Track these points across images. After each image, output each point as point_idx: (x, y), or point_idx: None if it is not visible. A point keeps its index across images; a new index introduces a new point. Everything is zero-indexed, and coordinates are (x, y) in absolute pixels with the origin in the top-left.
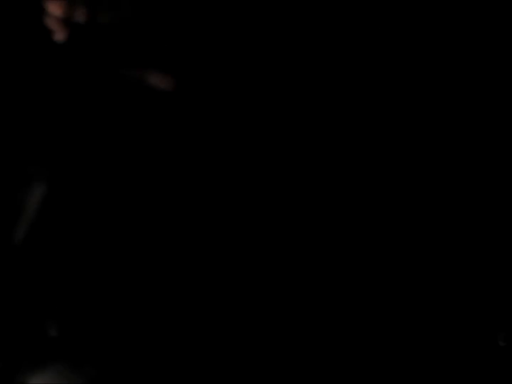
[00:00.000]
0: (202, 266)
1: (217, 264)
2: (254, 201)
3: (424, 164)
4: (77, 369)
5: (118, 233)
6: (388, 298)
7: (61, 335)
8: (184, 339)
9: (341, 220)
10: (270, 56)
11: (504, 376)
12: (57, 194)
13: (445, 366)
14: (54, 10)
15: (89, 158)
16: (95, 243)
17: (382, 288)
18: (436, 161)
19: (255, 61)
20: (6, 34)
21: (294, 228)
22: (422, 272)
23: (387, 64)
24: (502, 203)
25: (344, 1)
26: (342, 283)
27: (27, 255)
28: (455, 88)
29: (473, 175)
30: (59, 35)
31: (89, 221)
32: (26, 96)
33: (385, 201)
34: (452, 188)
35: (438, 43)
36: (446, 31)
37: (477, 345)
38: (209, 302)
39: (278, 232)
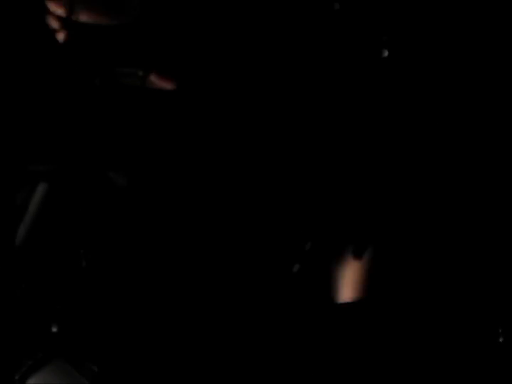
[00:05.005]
0: (202, 266)
1: (217, 264)
2: (254, 201)
3: (424, 164)
4: (78, 367)
5: (119, 233)
6: (387, 298)
7: (62, 333)
8: (184, 339)
9: (340, 219)
10: (271, 57)
11: (504, 376)
12: (60, 193)
13: (445, 365)
14: (55, 9)
15: (91, 157)
16: (97, 242)
17: (381, 288)
18: (437, 161)
19: (256, 61)
20: (6, 33)
21: (294, 228)
22: (422, 271)
23: (387, 64)
24: (502, 203)
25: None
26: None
27: (28, 253)
28: (455, 89)
29: (473, 175)
30: (60, 35)
31: (91, 220)
32: (28, 95)
33: (385, 201)
34: (452, 189)
35: (438, 44)
36: (445, 33)
37: (477, 343)
38: (209, 302)
39: (278, 232)
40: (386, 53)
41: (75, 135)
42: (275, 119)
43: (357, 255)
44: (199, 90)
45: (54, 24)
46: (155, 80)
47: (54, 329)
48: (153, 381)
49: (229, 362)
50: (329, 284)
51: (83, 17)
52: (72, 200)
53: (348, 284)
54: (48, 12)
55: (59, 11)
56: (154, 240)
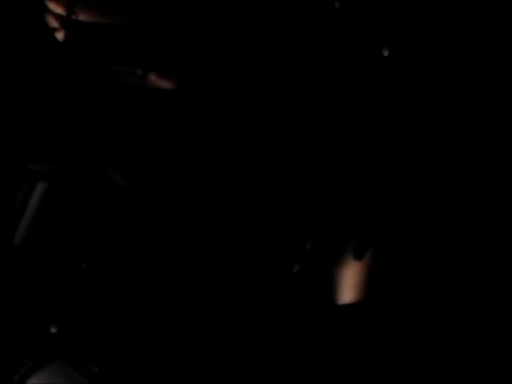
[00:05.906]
0: (202, 266)
1: (217, 264)
2: (254, 201)
3: (424, 165)
4: (78, 368)
5: (119, 233)
6: (387, 299)
7: (62, 334)
8: (184, 339)
9: (341, 220)
10: (271, 57)
11: (504, 375)
12: (59, 193)
13: (445, 365)
14: (55, 8)
15: (91, 157)
16: (96, 242)
17: (381, 289)
18: (436, 161)
19: (256, 61)
20: (6, 32)
21: (295, 229)
22: (423, 272)
23: (387, 63)
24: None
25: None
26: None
27: (28, 253)
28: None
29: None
30: (60, 34)
31: (90, 220)
32: (27, 94)
33: (385, 203)
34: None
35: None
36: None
37: (477, 343)
38: (209, 302)
39: (278, 232)
40: (386, 52)
41: (74, 134)
42: (276, 119)
43: (358, 256)
44: (199, 90)
45: (53, 23)
46: (154, 79)
47: (54, 330)
48: (153, 381)
49: (229, 362)
50: (329, 285)
51: (83, 16)
52: (71, 200)
53: (348, 285)
54: (47, 11)
55: (59, 10)
56: (153, 240)
